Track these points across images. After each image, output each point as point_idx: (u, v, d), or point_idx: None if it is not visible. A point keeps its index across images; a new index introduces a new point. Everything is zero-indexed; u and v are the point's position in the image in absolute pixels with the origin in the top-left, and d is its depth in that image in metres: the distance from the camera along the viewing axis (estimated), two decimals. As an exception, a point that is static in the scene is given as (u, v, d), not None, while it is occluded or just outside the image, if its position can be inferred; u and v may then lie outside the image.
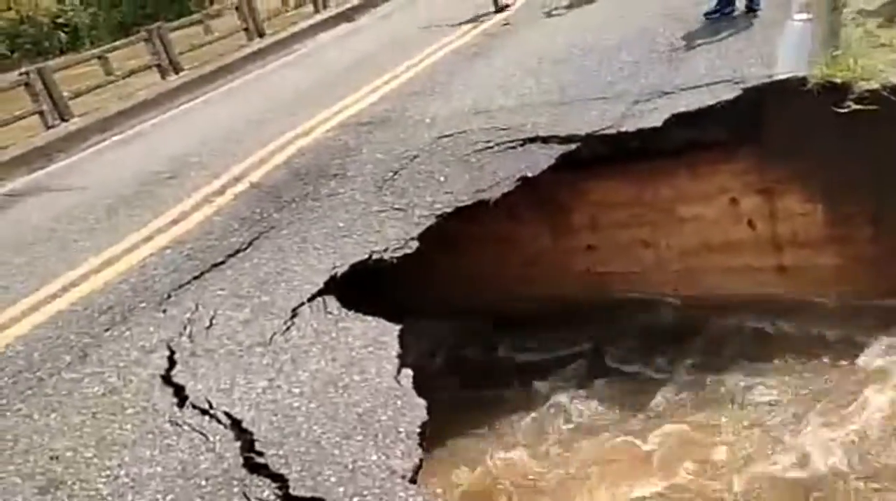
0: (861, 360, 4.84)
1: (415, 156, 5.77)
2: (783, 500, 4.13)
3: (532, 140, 5.47)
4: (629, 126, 5.29)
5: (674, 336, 5.63)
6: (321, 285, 4.34)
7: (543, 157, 5.26)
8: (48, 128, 10.10)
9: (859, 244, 5.25)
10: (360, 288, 4.42)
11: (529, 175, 5.12)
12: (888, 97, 4.66)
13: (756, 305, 5.47)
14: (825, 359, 4.99)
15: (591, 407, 5.17)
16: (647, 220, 5.91)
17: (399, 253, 4.63)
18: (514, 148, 5.47)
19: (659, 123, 5.19)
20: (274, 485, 2.93)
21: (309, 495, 2.85)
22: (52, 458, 3.37)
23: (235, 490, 2.94)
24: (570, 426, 5.05)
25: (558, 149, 5.29)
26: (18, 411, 3.78)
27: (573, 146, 5.29)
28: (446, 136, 5.97)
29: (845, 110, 4.74)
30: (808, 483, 4.15)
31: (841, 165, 5.03)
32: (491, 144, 5.59)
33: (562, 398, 5.29)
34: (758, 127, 5.23)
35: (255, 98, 9.56)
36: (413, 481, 2.90)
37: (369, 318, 4.00)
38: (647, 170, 5.65)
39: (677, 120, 5.20)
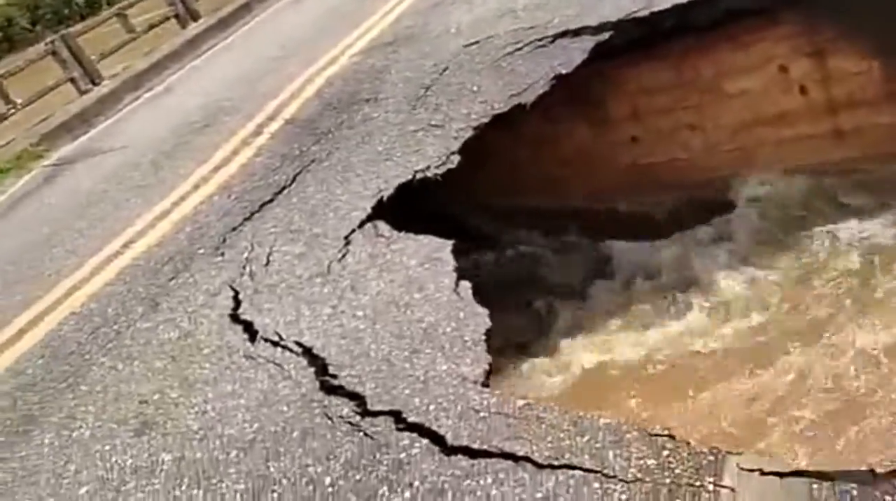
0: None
1: (444, 69, 5.64)
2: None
3: (562, 35, 5.28)
4: (662, 3, 5.04)
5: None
6: (369, 210, 4.36)
7: (576, 52, 5.08)
8: (81, 93, 10.23)
9: (921, 97, 4.98)
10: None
11: (563, 72, 4.97)
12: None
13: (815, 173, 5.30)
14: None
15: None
16: (691, 103, 5.69)
17: (442, 170, 4.60)
18: (544, 46, 5.30)
19: (694, -5, 4.93)
20: (352, 403, 3.03)
21: (387, 409, 2.93)
22: (141, 402, 3.55)
23: (316, 411, 3.05)
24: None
25: (590, 41, 5.09)
26: (103, 364, 3.98)
27: (605, 35, 5.09)
28: (473, 44, 5.81)
29: (897, -47, 4.41)
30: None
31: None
32: (520, 46, 5.42)
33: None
34: (802, -15, 4.92)
35: (276, 35, 9.43)
36: (485, 385, 2.96)
37: (421, 237, 4.00)
38: (686, 49, 5.41)
39: (713, -12, 4.94)
